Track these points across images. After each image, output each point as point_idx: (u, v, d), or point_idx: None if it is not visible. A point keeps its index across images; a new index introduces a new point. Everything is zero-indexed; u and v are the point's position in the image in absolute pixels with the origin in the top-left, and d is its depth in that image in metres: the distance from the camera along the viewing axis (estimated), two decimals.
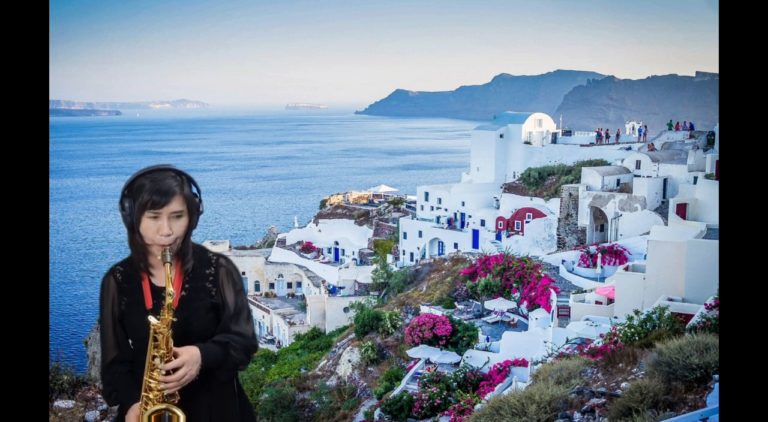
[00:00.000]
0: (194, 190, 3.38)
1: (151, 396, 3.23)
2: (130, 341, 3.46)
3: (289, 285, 65.49)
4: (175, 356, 3.21)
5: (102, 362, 3.53)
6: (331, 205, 76.74)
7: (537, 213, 53.73)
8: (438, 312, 39.17)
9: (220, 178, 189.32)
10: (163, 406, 3.23)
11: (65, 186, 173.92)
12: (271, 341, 55.66)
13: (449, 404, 25.57)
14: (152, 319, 3.19)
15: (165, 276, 3.21)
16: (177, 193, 3.26)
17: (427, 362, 32.67)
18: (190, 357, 3.21)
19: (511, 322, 38.86)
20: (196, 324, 3.39)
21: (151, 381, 3.22)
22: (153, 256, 3.36)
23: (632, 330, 15.84)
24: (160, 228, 3.24)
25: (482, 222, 57.16)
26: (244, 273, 60.68)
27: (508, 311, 40.00)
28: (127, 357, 3.45)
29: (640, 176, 48.36)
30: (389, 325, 39.34)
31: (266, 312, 59.03)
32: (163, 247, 3.25)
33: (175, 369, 3.19)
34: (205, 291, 3.44)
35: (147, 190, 3.22)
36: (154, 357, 3.20)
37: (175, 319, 3.21)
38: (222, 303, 3.46)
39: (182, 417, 3.21)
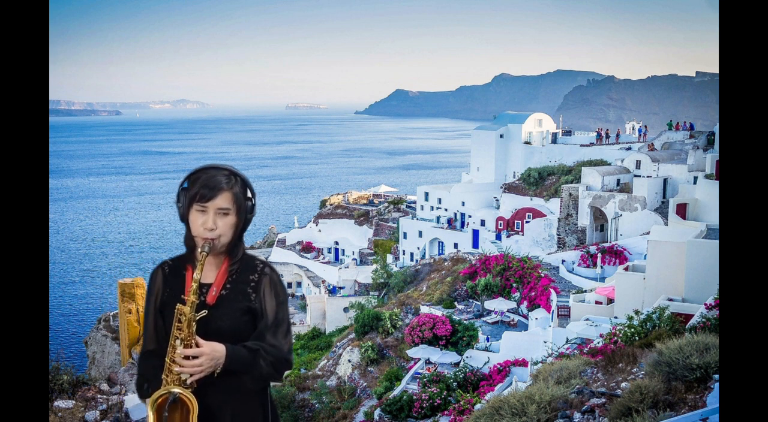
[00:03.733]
0: (249, 194, 3.46)
1: (168, 379, 3.27)
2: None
3: (289, 285, 65.44)
4: (198, 344, 3.27)
5: (140, 351, 3.60)
6: (331, 205, 76.72)
7: (537, 213, 53.73)
8: (438, 312, 39.16)
9: None
10: (169, 390, 3.23)
11: (65, 186, 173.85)
12: None
13: (449, 404, 25.57)
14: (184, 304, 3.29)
15: (200, 265, 3.30)
16: (225, 189, 3.35)
17: (427, 362, 32.66)
18: (211, 349, 3.25)
19: (511, 322, 38.85)
20: (228, 323, 3.42)
21: (171, 364, 3.27)
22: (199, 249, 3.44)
23: (632, 330, 15.83)
24: (205, 222, 3.34)
25: (482, 223, 57.15)
26: None
27: (508, 311, 39.99)
28: (164, 351, 3.47)
29: (640, 176, 48.35)
30: (389, 325, 39.33)
31: None
32: (205, 240, 3.34)
33: (194, 357, 3.24)
34: (244, 295, 3.48)
35: (198, 184, 3.34)
36: (176, 338, 3.27)
37: (203, 313, 3.29)
38: (260, 311, 3.49)
39: (194, 402, 3.22)
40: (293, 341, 3.62)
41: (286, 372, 3.59)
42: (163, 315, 3.48)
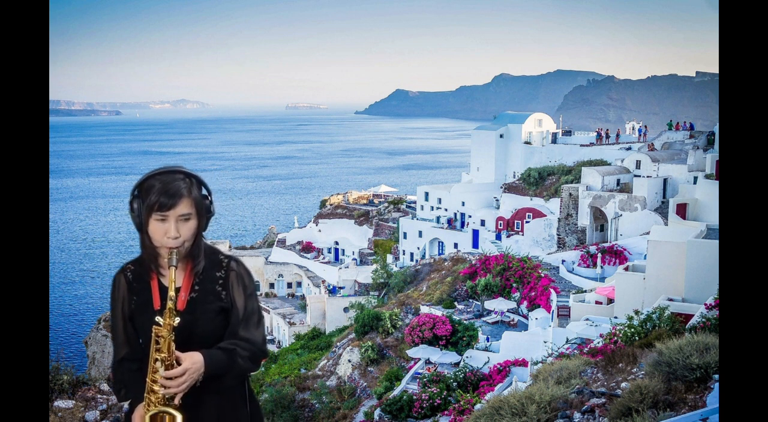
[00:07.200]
0: (204, 192, 3.34)
1: (152, 398, 3.21)
2: (141, 340, 3.45)
3: (289, 285, 65.47)
4: (178, 361, 3.17)
5: (113, 359, 3.52)
6: (331, 205, 76.72)
7: (537, 213, 53.73)
8: (438, 312, 39.17)
9: (220, 178, 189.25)
10: (158, 409, 3.20)
11: (65, 186, 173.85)
12: (271, 341, 55.66)
13: (449, 404, 25.57)
14: (159, 320, 3.17)
15: (172, 282, 3.17)
16: (185, 195, 3.22)
17: (427, 362, 32.66)
18: (192, 364, 3.16)
19: (511, 322, 38.85)
20: (204, 327, 3.34)
21: (152, 383, 3.20)
22: (163, 257, 3.33)
23: (632, 330, 15.82)
24: (168, 231, 3.22)
25: (482, 223, 57.15)
26: None
27: (508, 311, 39.99)
28: (137, 356, 3.43)
29: (640, 176, 48.35)
30: (389, 325, 39.33)
31: (266, 312, 59.02)
32: (170, 250, 3.23)
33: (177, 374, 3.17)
34: (214, 294, 3.38)
35: (155, 192, 3.19)
36: (156, 360, 3.18)
37: (176, 324, 3.17)
38: (231, 307, 3.40)
39: (180, 418, 3.18)
40: (266, 329, 3.55)
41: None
42: (132, 323, 3.41)
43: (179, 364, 3.18)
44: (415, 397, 27.31)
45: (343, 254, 69.28)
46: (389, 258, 62.22)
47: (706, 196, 39.05)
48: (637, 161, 49.95)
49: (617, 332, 16.29)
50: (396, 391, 29.98)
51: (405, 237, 62.69)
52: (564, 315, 33.59)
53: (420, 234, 61.31)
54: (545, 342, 27.35)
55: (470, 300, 42.78)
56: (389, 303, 46.96)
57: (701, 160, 45.59)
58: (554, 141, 61.22)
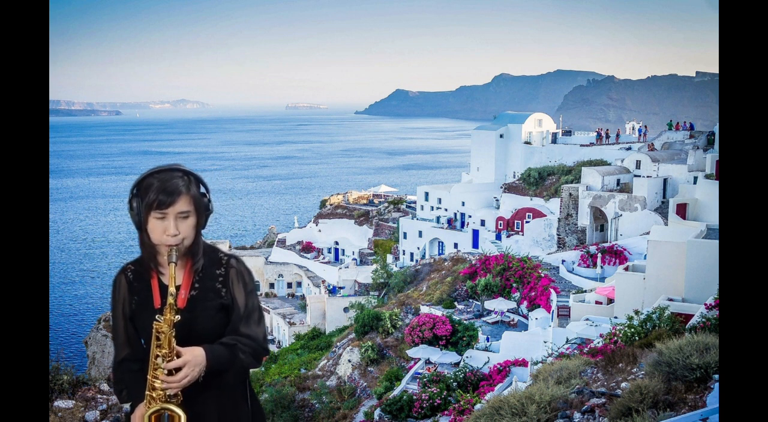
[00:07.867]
0: (202, 189, 3.35)
1: (154, 395, 3.22)
2: (142, 340, 3.45)
3: (289, 285, 65.47)
4: (179, 355, 3.19)
5: (114, 360, 3.53)
6: (331, 205, 76.72)
7: (537, 213, 53.73)
8: (438, 312, 39.16)
9: (220, 178, 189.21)
10: (160, 406, 3.21)
11: (65, 186, 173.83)
12: (271, 341, 55.66)
13: (449, 404, 25.56)
14: (159, 317, 3.19)
15: (172, 279, 3.18)
16: (183, 193, 3.24)
17: (427, 362, 32.66)
18: (193, 357, 3.18)
19: (511, 322, 38.85)
20: (204, 324, 3.35)
21: (154, 380, 3.20)
22: (162, 256, 3.33)
23: (632, 330, 15.82)
24: (167, 229, 3.23)
25: (482, 223, 57.15)
26: None
27: (508, 311, 39.99)
28: (138, 356, 3.44)
29: (640, 176, 48.35)
30: (389, 325, 39.33)
31: (266, 312, 59.00)
32: (170, 247, 3.24)
33: (177, 369, 3.17)
34: (214, 292, 3.40)
35: (154, 190, 3.21)
36: (156, 356, 3.19)
37: (177, 319, 3.19)
38: (232, 305, 3.41)
39: (183, 417, 3.20)
40: (267, 328, 3.53)
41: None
42: (133, 323, 3.42)
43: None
44: (415, 397, 27.30)
45: (343, 254, 69.28)
46: (389, 258, 62.21)
47: (706, 196, 39.05)
48: (637, 161, 49.95)
49: (617, 332, 16.29)
50: (396, 391, 29.97)
51: (405, 237, 62.69)
52: (564, 315, 33.58)
53: (420, 234, 61.30)
54: (545, 342, 27.34)
55: (470, 300, 42.77)
56: (389, 303, 46.95)
57: (701, 160, 45.59)
58: (554, 141, 61.22)
